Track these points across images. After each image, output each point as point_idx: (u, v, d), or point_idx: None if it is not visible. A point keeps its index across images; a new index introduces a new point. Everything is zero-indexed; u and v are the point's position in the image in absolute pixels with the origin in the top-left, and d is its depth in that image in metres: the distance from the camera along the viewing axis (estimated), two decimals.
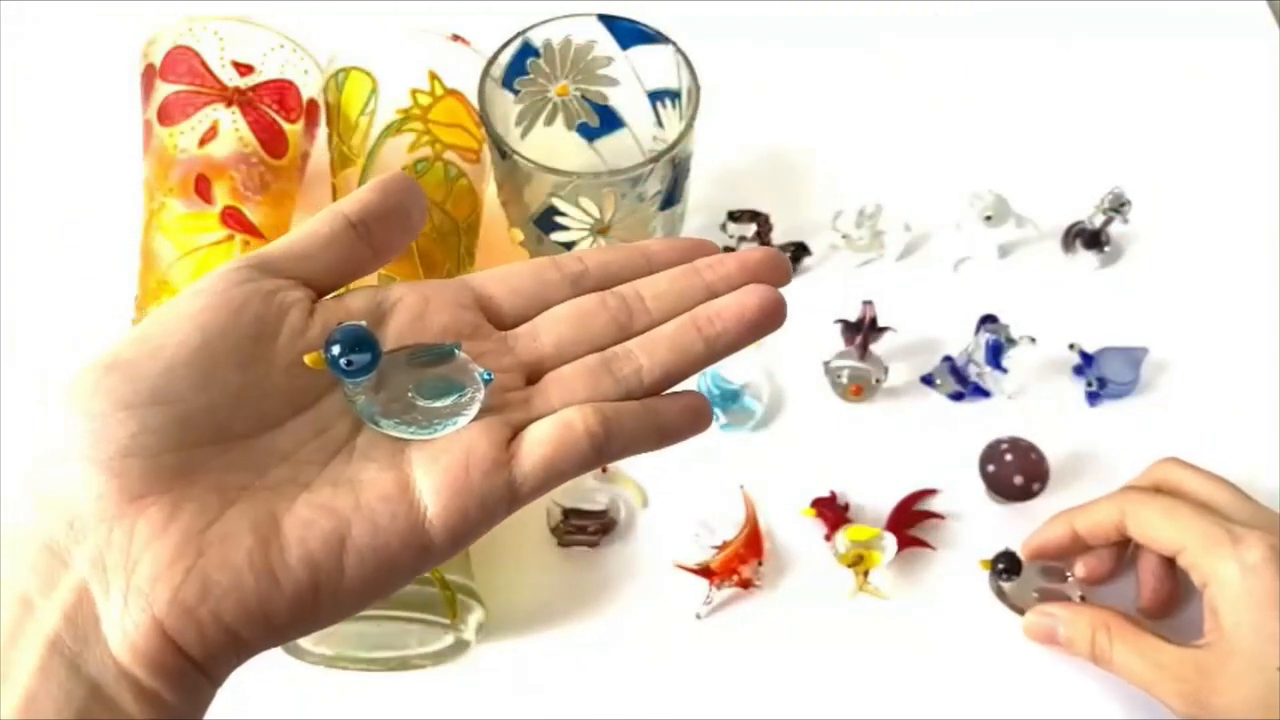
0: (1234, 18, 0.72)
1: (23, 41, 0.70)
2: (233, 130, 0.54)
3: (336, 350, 0.28)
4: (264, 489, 0.28)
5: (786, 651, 0.50)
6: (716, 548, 0.52)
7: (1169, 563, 0.49)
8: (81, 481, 0.26)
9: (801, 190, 0.65)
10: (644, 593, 0.52)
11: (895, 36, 0.71)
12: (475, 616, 0.48)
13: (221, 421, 0.28)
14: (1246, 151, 0.66)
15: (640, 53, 0.55)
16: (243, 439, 0.28)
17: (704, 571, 0.51)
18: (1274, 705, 0.41)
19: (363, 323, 0.29)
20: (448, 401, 0.29)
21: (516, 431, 0.30)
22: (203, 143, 0.53)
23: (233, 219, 0.53)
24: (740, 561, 0.51)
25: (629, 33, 0.55)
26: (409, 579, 0.28)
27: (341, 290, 0.32)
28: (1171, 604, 0.50)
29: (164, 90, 0.54)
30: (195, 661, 0.26)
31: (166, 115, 0.54)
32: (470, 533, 0.28)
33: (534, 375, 0.31)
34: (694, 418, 0.32)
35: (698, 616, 0.51)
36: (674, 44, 0.53)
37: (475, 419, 0.29)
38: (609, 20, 0.54)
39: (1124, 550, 0.51)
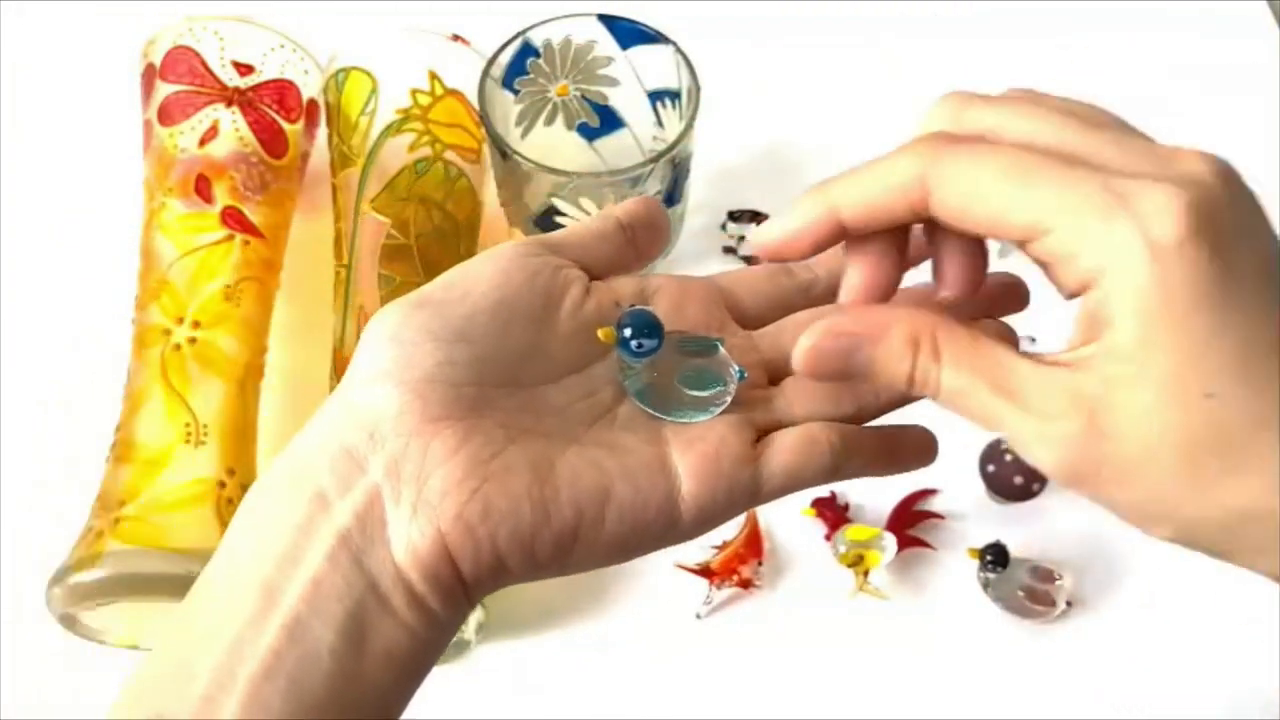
0: (1234, 18, 0.72)
1: (23, 41, 0.70)
2: (233, 130, 0.54)
3: (629, 332, 0.31)
4: (541, 434, 0.30)
5: (786, 651, 0.50)
6: (716, 548, 0.52)
7: (977, 246, 0.30)
8: (387, 398, 0.28)
9: (802, 190, 0.64)
10: (644, 593, 0.52)
11: (895, 36, 0.71)
12: (475, 616, 0.48)
13: (512, 369, 0.30)
14: (1246, 152, 0.66)
15: (640, 53, 0.55)
16: (527, 387, 0.31)
17: (704, 571, 0.51)
18: (1205, 451, 0.26)
19: (651, 309, 0.32)
20: (707, 393, 0.32)
21: (760, 431, 0.31)
22: (203, 142, 0.53)
23: (233, 219, 0.53)
24: (740, 561, 0.51)
25: (629, 33, 0.55)
26: (654, 548, 0.31)
27: None
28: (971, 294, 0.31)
29: (164, 90, 0.54)
30: (463, 578, 0.28)
31: (167, 115, 0.54)
32: (715, 517, 0.30)
33: (774, 375, 0.34)
34: (922, 453, 0.34)
35: (698, 616, 0.51)
36: (674, 44, 0.53)
37: (724, 412, 0.31)
38: (609, 20, 0.55)
39: (904, 248, 0.30)
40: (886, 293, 0.30)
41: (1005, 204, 0.27)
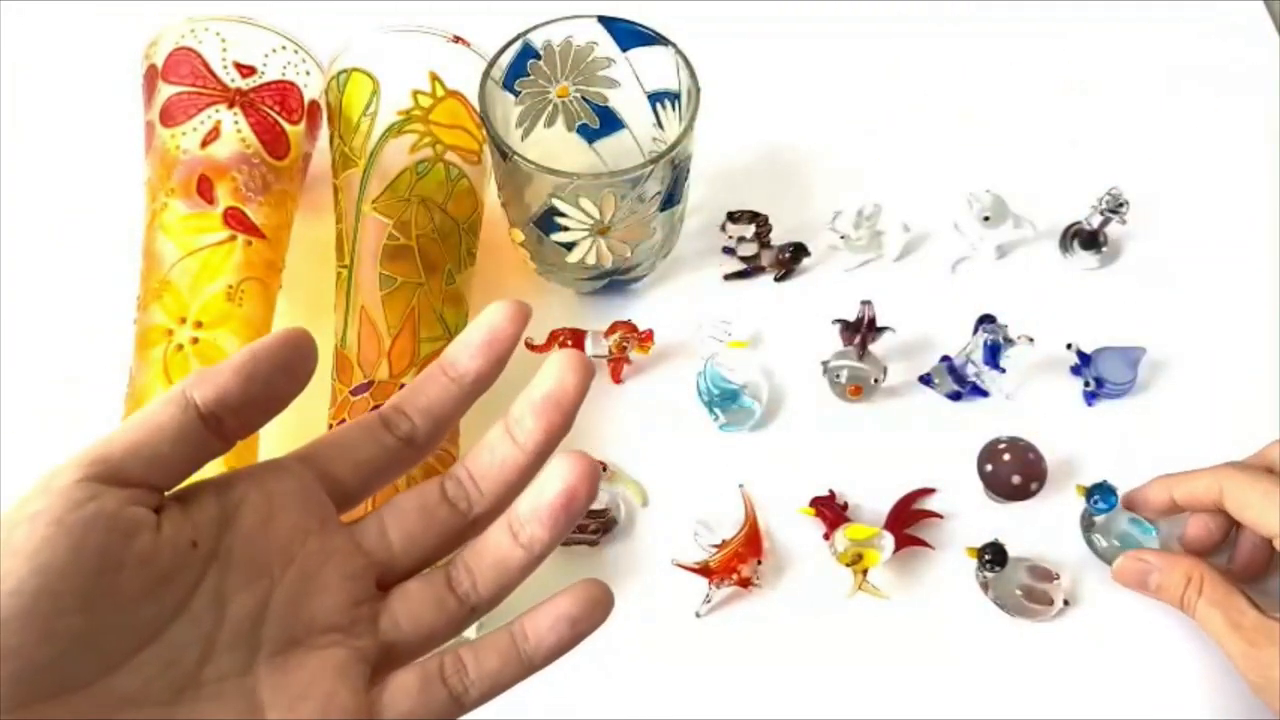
0: (1233, 18, 0.72)
1: (23, 41, 0.70)
2: (234, 131, 0.54)
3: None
4: None
5: (786, 650, 0.51)
6: (716, 547, 0.52)
7: (1266, 547, 0.50)
8: None
9: (801, 190, 0.65)
10: (644, 592, 0.52)
11: (894, 36, 0.71)
12: None
13: (63, 673, 0.25)
14: (1244, 152, 0.66)
15: (640, 54, 0.55)
16: (86, 687, 0.25)
17: (703, 570, 0.51)
18: None
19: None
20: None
21: (374, 667, 0.29)
22: (205, 144, 0.54)
23: (235, 219, 0.53)
24: (739, 560, 0.51)
25: (629, 34, 0.55)
26: None
27: (186, 483, 0.29)
28: (1260, 574, 0.51)
29: (166, 91, 0.54)
30: None
31: (169, 116, 0.54)
32: None
33: (383, 579, 0.31)
34: (570, 628, 0.32)
35: (697, 615, 0.51)
36: (674, 45, 0.54)
37: (330, 649, 0.29)
38: (609, 22, 0.55)
39: (1227, 532, 0.51)
40: (1207, 547, 0.51)
41: (1259, 513, 0.47)
